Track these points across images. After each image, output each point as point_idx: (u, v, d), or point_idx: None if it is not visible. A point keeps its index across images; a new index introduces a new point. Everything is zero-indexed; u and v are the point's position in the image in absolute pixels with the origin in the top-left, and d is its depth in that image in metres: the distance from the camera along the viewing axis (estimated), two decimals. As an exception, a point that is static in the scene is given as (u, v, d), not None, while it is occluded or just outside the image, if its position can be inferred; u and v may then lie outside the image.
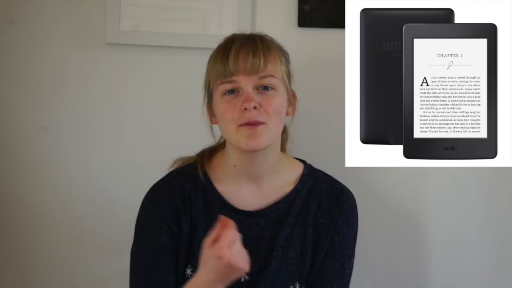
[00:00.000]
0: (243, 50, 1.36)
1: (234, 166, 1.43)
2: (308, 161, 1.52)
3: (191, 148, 1.51)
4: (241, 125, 1.35)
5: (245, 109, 1.34)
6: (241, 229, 1.29)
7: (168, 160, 1.51)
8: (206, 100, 1.44)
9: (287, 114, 1.44)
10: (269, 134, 1.36)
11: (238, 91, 1.36)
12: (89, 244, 1.82)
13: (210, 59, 1.42)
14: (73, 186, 1.82)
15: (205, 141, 1.51)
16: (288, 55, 1.45)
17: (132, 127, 1.81)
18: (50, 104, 1.81)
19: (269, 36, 1.44)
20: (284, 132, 1.51)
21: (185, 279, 1.41)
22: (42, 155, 1.82)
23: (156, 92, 1.80)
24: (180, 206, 1.43)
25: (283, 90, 1.40)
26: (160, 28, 1.76)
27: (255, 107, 1.34)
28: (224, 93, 1.37)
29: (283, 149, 1.51)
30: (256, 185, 1.45)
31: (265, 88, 1.37)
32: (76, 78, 1.80)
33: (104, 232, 1.81)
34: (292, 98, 1.45)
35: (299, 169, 1.49)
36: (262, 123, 1.35)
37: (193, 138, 1.51)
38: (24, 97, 1.81)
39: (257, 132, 1.34)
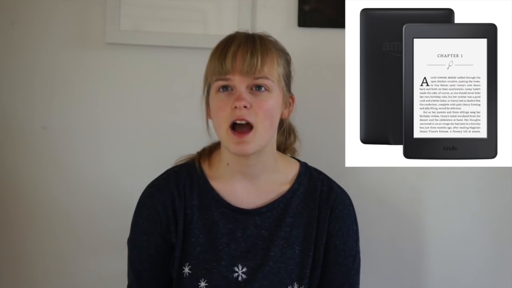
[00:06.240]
0: (241, 50, 1.36)
1: (228, 164, 1.44)
2: (308, 161, 1.52)
3: (191, 147, 1.51)
4: (230, 128, 1.35)
5: (235, 107, 1.34)
6: (237, 227, 1.28)
7: (168, 160, 1.51)
8: (205, 94, 1.44)
9: (282, 116, 1.44)
10: (258, 140, 1.36)
11: (232, 89, 1.37)
12: (89, 244, 1.82)
13: (210, 54, 1.42)
14: (72, 186, 1.82)
15: (205, 141, 1.51)
16: (289, 57, 1.45)
17: (132, 127, 1.81)
18: (49, 104, 1.80)
19: (271, 37, 1.43)
20: (292, 133, 1.52)
21: (183, 277, 1.42)
22: (41, 155, 1.82)
23: (156, 92, 1.80)
24: (175, 204, 1.44)
25: (278, 93, 1.39)
26: (160, 28, 1.76)
27: (245, 107, 1.34)
28: (218, 90, 1.38)
29: (290, 150, 1.53)
30: (251, 183, 1.45)
31: (259, 88, 1.36)
32: (76, 78, 1.80)
33: (104, 232, 1.81)
34: (289, 101, 1.45)
35: (295, 168, 1.50)
36: (250, 128, 1.35)
37: (193, 138, 1.51)
38: (24, 97, 1.81)
39: (245, 140, 1.35)
